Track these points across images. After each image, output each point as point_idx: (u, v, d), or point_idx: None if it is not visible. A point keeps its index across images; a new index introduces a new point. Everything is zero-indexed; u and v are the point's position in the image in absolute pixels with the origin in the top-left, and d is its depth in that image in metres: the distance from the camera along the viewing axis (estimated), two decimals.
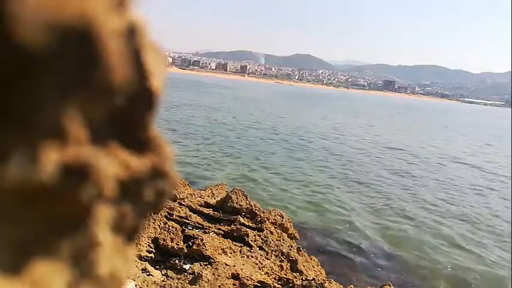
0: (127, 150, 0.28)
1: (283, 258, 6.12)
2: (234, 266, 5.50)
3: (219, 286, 4.87)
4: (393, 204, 13.63)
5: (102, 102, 0.26)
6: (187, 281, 4.89)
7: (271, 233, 6.68)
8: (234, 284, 5.12)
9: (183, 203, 6.89)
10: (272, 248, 6.27)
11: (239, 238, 6.37)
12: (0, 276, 0.23)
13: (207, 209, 7.09)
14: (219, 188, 8.19)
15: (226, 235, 6.41)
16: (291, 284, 5.45)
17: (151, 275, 5.25)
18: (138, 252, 5.49)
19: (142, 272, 5.27)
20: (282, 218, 7.34)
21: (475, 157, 25.83)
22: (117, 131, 0.28)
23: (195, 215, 6.74)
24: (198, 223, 6.54)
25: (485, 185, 18.16)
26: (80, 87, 0.24)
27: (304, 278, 5.60)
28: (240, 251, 6.03)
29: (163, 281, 5.03)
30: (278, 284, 5.54)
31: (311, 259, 6.73)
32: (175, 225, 6.17)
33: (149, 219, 5.66)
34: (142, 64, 0.27)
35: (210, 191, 7.90)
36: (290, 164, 17.79)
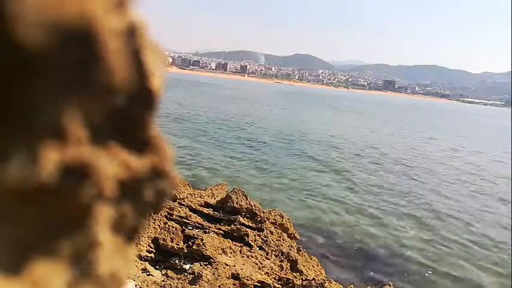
0: (127, 150, 0.28)
1: (283, 258, 6.12)
2: (234, 266, 5.50)
3: (219, 286, 4.88)
4: (393, 203, 13.62)
5: (102, 102, 0.26)
6: (187, 281, 4.89)
7: (271, 233, 6.67)
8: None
9: (183, 203, 6.89)
10: (272, 248, 6.27)
11: (239, 238, 6.37)
12: (0, 276, 0.23)
13: (207, 209, 7.09)
14: (219, 188, 8.19)
15: (226, 235, 6.41)
16: (291, 284, 5.45)
17: (151, 275, 5.25)
18: (138, 252, 5.49)
19: (142, 272, 5.27)
20: (282, 218, 7.34)
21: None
22: (117, 131, 0.28)
23: (195, 215, 6.73)
24: (198, 223, 6.54)
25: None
26: (80, 87, 0.24)
27: (304, 278, 5.60)
28: (240, 251, 6.03)
29: (163, 281, 5.03)
30: (278, 284, 5.54)
31: (311, 259, 6.72)
32: (175, 225, 6.17)
33: (149, 219, 5.66)
34: (142, 64, 0.27)
35: (210, 191, 7.90)
36: (287, 163, 17.79)
